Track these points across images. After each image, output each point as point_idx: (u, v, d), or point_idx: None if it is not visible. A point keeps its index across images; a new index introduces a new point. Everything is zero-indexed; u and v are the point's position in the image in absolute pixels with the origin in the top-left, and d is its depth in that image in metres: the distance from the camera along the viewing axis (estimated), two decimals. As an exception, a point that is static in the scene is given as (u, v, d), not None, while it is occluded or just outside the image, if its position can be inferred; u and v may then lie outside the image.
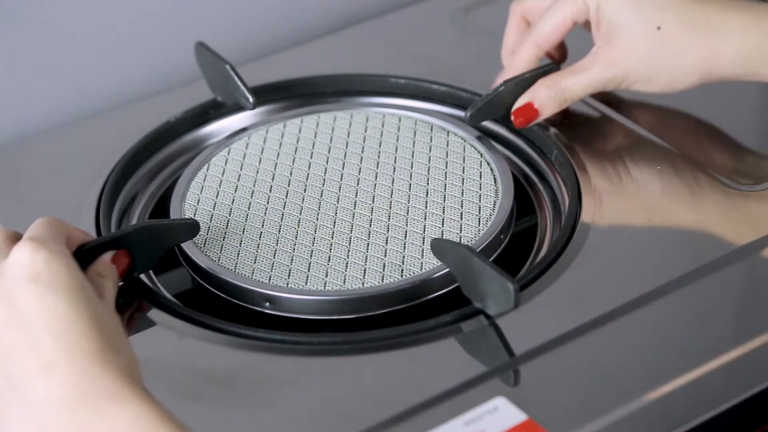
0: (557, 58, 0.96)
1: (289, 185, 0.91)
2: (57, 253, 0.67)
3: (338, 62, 1.05)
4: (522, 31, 0.96)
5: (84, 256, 0.76)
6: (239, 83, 0.96)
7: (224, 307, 0.82)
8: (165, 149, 0.97)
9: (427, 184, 0.90)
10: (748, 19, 0.88)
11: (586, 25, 0.92)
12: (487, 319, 0.78)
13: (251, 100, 0.96)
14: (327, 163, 0.93)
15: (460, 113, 0.97)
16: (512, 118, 0.92)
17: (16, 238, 0.71)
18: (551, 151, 0.92)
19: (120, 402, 0.63)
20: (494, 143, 0.94)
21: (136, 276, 0.82)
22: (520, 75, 0.92)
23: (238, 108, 0.99)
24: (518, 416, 0.71)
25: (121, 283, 0.80)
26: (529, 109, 0.91)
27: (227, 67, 0.96)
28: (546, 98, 0.91)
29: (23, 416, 0.64)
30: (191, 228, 0.83)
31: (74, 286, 0.66)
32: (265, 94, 1.00)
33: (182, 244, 0.84)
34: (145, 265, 0.81)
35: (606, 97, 0.97)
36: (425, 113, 0.98)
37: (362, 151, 0.94)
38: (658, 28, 0.88)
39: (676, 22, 0.88)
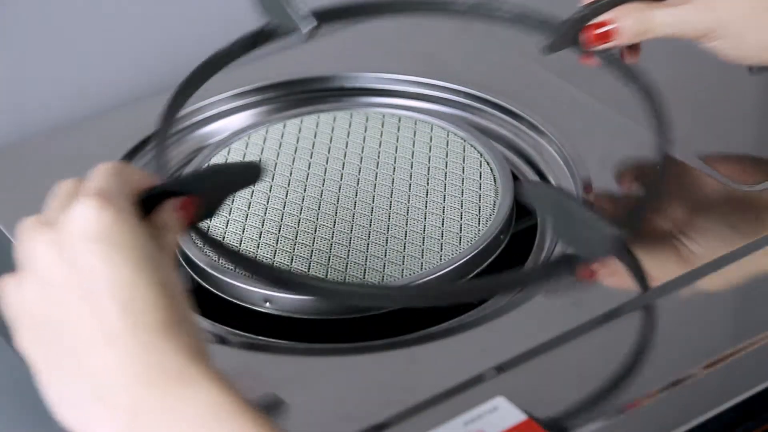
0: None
1: (288, 185, 0.91)
2: (125, 211, 0.60)
3: (339, 61, 1.05)
4: None
5: (143, 204, 0.64)
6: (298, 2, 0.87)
7: (224, 307, 0.82)
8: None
9: (427, 184, 0.90)
10: None
11: None
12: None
13: (310, 26, 0.86)
14: (327, 163, 0.93)
15: (460, 113, 0.97)
16: (583, 33, 0.85)
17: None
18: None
19: (190, 383, 0.58)
20: (494, 143, 0.94)
21: (195, 225, 0.69)
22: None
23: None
24: (518, 416, 0.71)
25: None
26: (606, 27, 0.85)
27: None
28: (629, 21, 0.84)
29: (88, 391, 0.58)
30: (256, 171, 0.72)
31: (143, 249, 0.59)
32: (326, 16, 0.89)
33: (182, 244, 0.84)
34: (207, 214, 0.70)
35: (607, 96, 0.97)
36: (425, 113, 0.98)
37: (362, 151, 0.94)
38: None
39: None
